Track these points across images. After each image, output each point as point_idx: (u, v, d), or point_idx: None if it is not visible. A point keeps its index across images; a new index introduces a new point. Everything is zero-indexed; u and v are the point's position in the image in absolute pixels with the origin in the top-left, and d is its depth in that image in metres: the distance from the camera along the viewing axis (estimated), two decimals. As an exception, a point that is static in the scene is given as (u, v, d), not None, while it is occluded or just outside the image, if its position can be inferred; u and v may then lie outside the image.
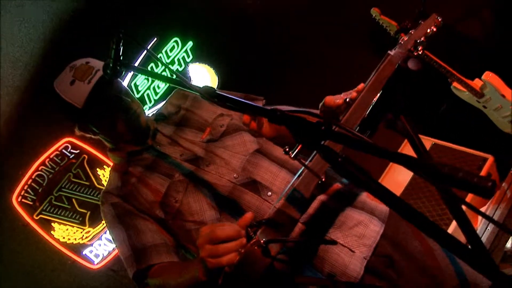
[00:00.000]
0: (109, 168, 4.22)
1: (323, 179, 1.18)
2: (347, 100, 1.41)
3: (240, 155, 1.65)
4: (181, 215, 1.60)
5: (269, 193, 1.54)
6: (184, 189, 1.61)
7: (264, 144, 1.71)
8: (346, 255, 1.46)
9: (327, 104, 1.47)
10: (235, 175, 1.60)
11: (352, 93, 1.42)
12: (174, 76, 1.27)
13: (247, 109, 1.23)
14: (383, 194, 1.00)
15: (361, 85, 1.42)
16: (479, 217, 2.79)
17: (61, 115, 1.74)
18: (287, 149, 1.08)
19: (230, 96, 1.14)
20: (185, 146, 1.71)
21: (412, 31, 1.54)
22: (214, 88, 1.16)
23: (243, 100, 1.13)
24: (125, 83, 4.30)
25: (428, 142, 3.20)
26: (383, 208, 1.61)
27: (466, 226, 1.25)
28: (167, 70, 4.30)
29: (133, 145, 1.78)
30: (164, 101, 1.96)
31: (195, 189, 1.61)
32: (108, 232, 1.84)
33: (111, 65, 1.37)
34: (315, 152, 1.21)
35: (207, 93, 1.14)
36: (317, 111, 1.53)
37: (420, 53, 1.47)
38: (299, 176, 1.24)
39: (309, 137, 0.99)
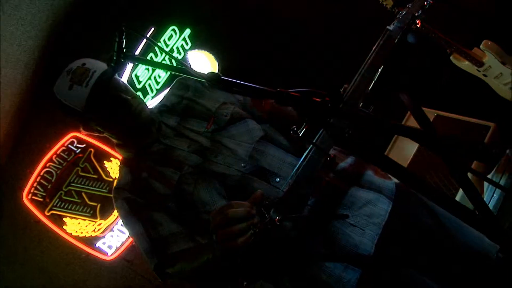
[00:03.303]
0: (116, 160, 4.29)
1: (332, 156, 1.20)
2: None
3: (246, 143, 1.66)
4: (193, 207, 1.61)
5: (277, 179, 1.56)
6: (194, 181, 1.62)
7: (269, 130, 1.72)
8: (357, 234, 1.48)
9: None
10: (242, 164, 1.61)
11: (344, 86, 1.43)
12: (175, 64, 1.28)
13: (253, 93, 1.25)
14: (392, 167, 1.03)
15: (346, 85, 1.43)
16: (485, 185, 2.81)
17: (64, 117, 1.76)
18: (295, 128, 1.10)
19: (235, 80, 1.16)
20: (191, 137, 1.72)
21: (409, 5, 1.55)
22: (219, 74, 1.17)
23: (248, 84, 1.15)
24: (126, 74, 4.33)
25: (431, 114, 3.21)
26: (390, 184, 1.62)
27: (473, 194, 1.27)
28: (170, 59, 4.31)
29: (139, 140, 1.78)
30: (166, 92, 1.95)
31: (204, 180, 1.62)
32: (123, 225, 1.85)
33: (115, 58, 1.39)
34: (321, 130, 1.23)
35: (213, 79, 1.16)
36: (320, 90, 1.54)
37: (418, 26, 1.48)
38: (307, 154, 1.26)
39: (316, 115, 1.01)
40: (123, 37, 1.39)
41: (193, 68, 1.30)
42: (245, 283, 1.24)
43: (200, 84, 1.86)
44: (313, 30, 4.07)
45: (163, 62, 4.31)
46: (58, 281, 4.33)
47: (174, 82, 1.92)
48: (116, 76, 1.70)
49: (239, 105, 1.81)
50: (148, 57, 4.36)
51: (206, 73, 1.21)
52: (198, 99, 1.82)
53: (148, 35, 4.39)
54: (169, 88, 1.95)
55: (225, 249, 1.24)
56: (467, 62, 3.05)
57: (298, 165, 1.26)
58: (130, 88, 1.80)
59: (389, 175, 1.66)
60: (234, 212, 1.22)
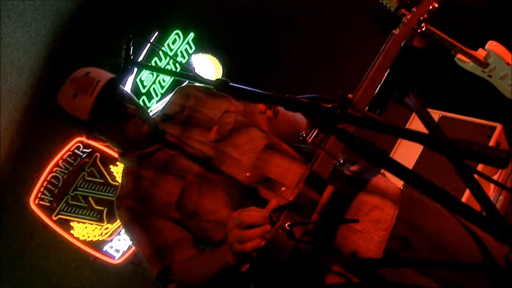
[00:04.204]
0: (122, 164, 4.29)
1: (341, 161, 1.21)
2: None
3: (250, 152, 1.65)
4: (197, 215, 1.61)
5: (283, 188, 1.56)
6: (198, 190, 1.61)
7: (273, 138, 1.71)
8: (364, 241, 1.48)
9: None
10: (247, 173, 1.60)
11: None
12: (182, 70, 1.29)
13: (262, 99, 1.25)
14: (399, 170, 1.03)
15: None
16: (491, 186, 2.81)
17: (68, 126, 1.74)
18: (304, 135, 1.11)
19: (243, 87, 1.16)
20: (194, 146, 1.71)
21: (414, 9, 1.55)
22: (227, 80, 1.18)
23: (256, 90, 1.16)
24: (130, 79, 4.35)
25: (435, 115, 3.21)
26: (395, 189, 1.62)
27: (480, 195, 1.28)
28: (175, 64, 4.32)
29: (143, 149, 1.77)
30: (167, 101, 1.93)
31: (209, 190, 1.61)
32: (126, 234, 1.86)
33: (122, 65, 1.40)
34: (330, 135, 1.24)
35: (221, 86, 1.17)
36: (329, 96, 1.55)
37: (423, 29, 1.49)
38: (316, 159, 1.27)
39: (326, 121, 1.02)
40: (131, 44, 1.40)
41: (200, 74, 1.30)
42: None
43: (201, 92, 1.85)
44: (319, 31, 4.07)
45: (169, 67, 4.33)
46: (65, 285, 4.35)
47: (175, 90, 1.91)
48: (121, 86, 1.71)
49: (241, 112, 1.80)
50: (153, 62, 4.39)
51: (214, 79, 1.21)
52: (200, 108, 1.80)
53: (152, 39, 4.41)
54: (169, 97, 1.93)
55: (235, 250, 1.25)
56: (471, 63, 3.05)
57: (306, 170, 1.26)
58: (134, 97, 1.80)
59: (394, 179, 1.66)
60: (249, 216, 1.24)
